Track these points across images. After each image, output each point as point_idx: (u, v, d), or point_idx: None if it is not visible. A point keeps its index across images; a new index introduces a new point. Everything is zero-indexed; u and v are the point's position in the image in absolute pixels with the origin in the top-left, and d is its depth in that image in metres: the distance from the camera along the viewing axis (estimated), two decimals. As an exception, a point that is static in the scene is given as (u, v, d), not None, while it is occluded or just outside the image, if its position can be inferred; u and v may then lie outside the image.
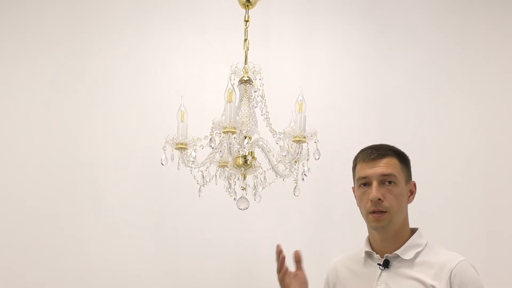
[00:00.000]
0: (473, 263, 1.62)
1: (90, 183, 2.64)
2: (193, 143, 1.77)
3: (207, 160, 1.77)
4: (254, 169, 1.82)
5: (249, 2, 1.97)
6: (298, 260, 1.75)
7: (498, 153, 2.74)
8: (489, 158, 2.74)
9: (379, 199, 1.60)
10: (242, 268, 2.65)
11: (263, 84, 1.85)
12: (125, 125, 2.70)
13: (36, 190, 2.62)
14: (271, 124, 1.82)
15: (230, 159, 1.78)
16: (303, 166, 1.74)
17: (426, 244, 1.65)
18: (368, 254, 1.69)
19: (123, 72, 2.74)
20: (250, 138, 1.79)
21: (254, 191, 1.82)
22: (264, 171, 1.83)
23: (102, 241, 2.61)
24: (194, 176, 1.80)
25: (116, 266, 2.59)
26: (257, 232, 2.66)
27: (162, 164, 1.74)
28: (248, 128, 1.80)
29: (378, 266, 1.64)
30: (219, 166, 1.84)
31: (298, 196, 1.78)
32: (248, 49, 1.94)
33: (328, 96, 2.77)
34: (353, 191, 1.74)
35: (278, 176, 1.83)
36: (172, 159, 1.74)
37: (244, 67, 1.87)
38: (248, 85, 1.86)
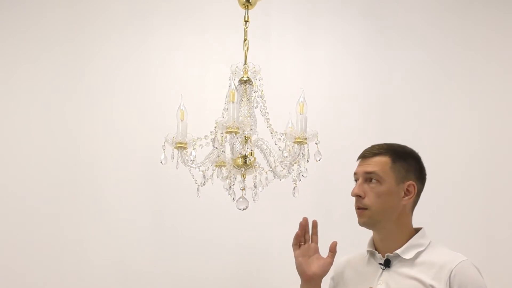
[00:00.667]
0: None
1: (90, 183, 2.64)
2: (193, 143, 1.77)
3: (207, 160, 1.77)
4: (254, 169, 1.82)
5: (249, 2, 1.96)
6: (314, 225, 1.74)
7: (498, 153, 2.74)
8: (489, 158, 2.74)
9: (360, 196, 1.62)
10: (242, 268, 2.65)
11: (262, 85, 1.85)
12: (125, 125, 2.70)
13: (36, 190, 2.62)
14: (271, 125, 1.82)
15: (230, 159, 1.78)
16: (300, 167, 1.74)
17: (429, 244, 1.64)
18: (371, 254, 1.69)
19: (123, 72, 2.74)
20: (249, 138, 1.79)
21: (254, 191, 1.82)
22: (266, 172, 1.83)
23: (102, 241, 2.61)
24: (193, 175, 1.80)
25: (116, 266, 2.60)
26: (257, 232, 2.66)
27: (162, 163, 1.74)
28: (251, 128, 1.80)
29: (379, 265, 1.64)
30: (216, 166, 1.84)
31: (296, 197, 1.78)
32: (248, 49, 1.93)
33: (328, 96, 2.77)
34: None
35: (276, 177, 1.83)
36: (172, 158, 1.74)
37: (244, 67, 1.87)
38: (248, 85, 1.86)
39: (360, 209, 1.63)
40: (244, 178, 1.81)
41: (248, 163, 1.80)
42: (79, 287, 2.58)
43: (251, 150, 1.79)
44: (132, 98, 2.72)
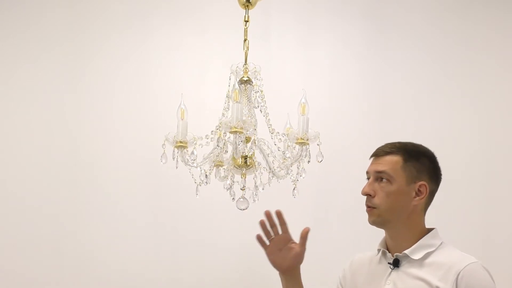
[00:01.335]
0: None
1: (90, 183, 2.64)
2: (194, 142, 1.77)
3: (207, 159, 1.77)
4: (254, 170, 1.82)
5: (249, 2, 1.97)
6: (278, 215, 1.70)
7: (498, 153, 2.74)
8: (489, 158, 2.74)
9: (369, 195, 1.62)
10: (242, 268, 2.65)
11: (263, 85, 1.85)
12: (125, 125, 2.69)
13: (36, 190, 2.62)
14: (271, 125, 1.82)
15: (229, 158, 1.78)
16: (298, 167, 1.74)
17: (440, 245, 1.62)
18: (383, 253, 1.69)
19: (123, 72, 2.73)
20: (250, 138, 1.79)
21: (255, 191, 1.82)
22: (268, 172, 1.83)
23: (102, 240, 2.61)
24: (192, 175, 1.80)
25: (116, 265, 2.60)
26: (257, 232, 2.65)
27: (162, 163, 1.74)
28: (254, 128, 1.80)
29: (389, 265, 1.64)
30: (215, 166, 1.84)
31: (295, 197, 1.78)
32: (248, 49, 1.94)
33: (328, 96, 2.77)
34: None
35: (274, 177, 1.83)
36: (173, 157, 1.74)
37: (244, 67, 1.87)
38: (248, 85, 1.86)
39: (370, 207, 1.63)
40: (245, 178, 1.81)
41: (248, 163, 1.80)
42: (79, 287, 2.58)
43: (254, 150, 1.79)
44: (132, 98, 2.72)
